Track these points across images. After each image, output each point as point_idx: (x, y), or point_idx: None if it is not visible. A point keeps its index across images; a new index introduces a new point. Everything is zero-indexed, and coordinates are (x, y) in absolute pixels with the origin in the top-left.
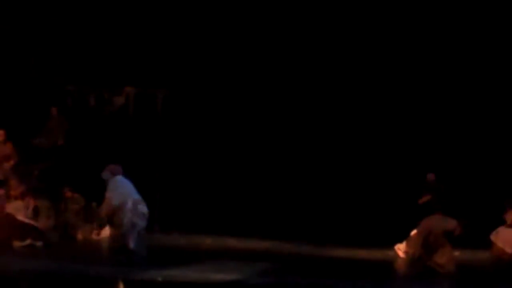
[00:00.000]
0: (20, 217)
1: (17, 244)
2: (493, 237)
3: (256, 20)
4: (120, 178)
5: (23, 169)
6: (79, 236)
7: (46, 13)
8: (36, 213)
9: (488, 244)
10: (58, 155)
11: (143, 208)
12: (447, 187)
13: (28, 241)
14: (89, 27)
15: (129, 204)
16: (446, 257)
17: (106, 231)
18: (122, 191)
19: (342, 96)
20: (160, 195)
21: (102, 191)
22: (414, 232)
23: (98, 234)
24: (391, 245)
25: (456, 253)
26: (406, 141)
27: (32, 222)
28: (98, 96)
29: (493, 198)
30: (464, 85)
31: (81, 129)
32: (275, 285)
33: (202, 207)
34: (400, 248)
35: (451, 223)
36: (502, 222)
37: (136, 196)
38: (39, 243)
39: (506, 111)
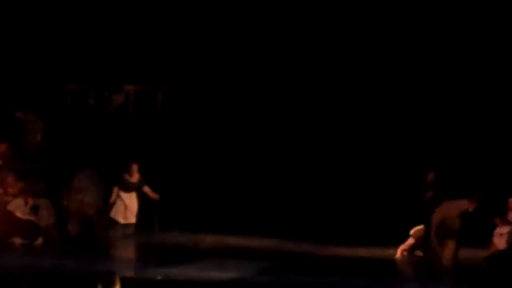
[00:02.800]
0: (20, 214)
1: (17, 241)
2: (496, 238)
3: (256, 18)
4: (82, 171)
5: (21, 166)
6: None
7: (45, 11)
8: (35, 210)
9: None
10: (52, 154)
11: (79, 196)
12: (448, 185)
13: (28, 239)
14: (88, 25)
15: (72, 193)
16: (450, 254)
17: None
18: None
19: (341, 95)
20: (159, 193)
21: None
22: (413, 230)
23: None
24: (392, 243)
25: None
26: (406, 139)
27: (32, 219)
28: (97, 94)
29: (493, 196)
30: (463, 83)
31: (81, 127)
32: (275, 283)
33: (202, 205)
34: (405, 249)
35: (462, 203)
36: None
37: (81, 184)
38: (39, 241)
39: (506, 110)
